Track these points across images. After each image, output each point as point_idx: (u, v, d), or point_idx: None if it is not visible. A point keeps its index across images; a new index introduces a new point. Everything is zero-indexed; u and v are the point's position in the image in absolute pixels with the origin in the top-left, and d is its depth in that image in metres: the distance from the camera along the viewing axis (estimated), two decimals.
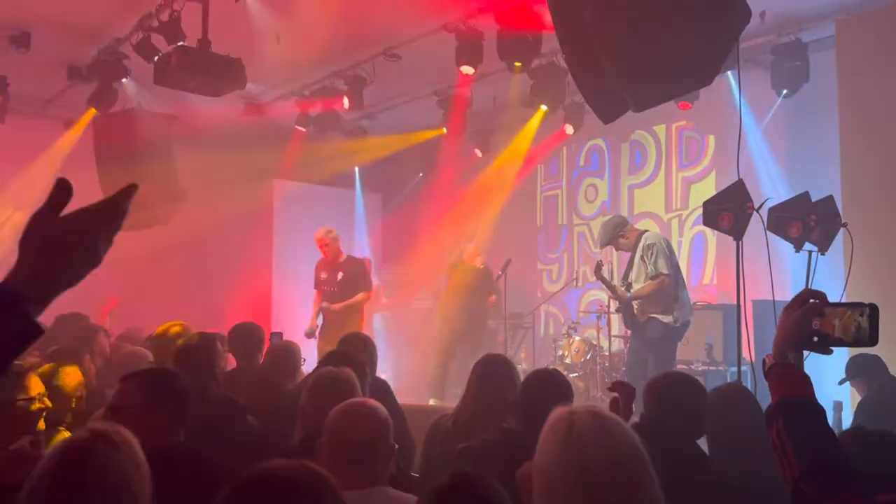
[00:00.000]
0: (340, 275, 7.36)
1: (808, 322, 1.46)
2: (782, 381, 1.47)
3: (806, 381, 1.47)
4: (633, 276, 6.33)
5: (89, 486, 1.55)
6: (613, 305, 7.20)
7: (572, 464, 1.44)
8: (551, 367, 5.58)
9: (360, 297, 7.36)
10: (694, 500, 2.13)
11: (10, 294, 0.93)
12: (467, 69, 6.87)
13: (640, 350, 6.33)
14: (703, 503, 2.45)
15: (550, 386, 3.11)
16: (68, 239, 0.97)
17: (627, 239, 6.43)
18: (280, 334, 5.06)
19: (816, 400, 1.47)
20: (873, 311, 1.41)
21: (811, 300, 1.48)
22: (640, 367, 6.09)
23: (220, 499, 1.30)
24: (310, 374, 2.64)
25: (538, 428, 2.87)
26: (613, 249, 6.93)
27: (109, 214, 1.01)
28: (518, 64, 6.74)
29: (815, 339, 1.47)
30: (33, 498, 1.55)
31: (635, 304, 6.29)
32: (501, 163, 9.99)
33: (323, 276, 7.47)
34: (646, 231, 6.57)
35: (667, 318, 6.11)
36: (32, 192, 8.91)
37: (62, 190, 0.99)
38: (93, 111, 8.29)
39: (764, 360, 1.52)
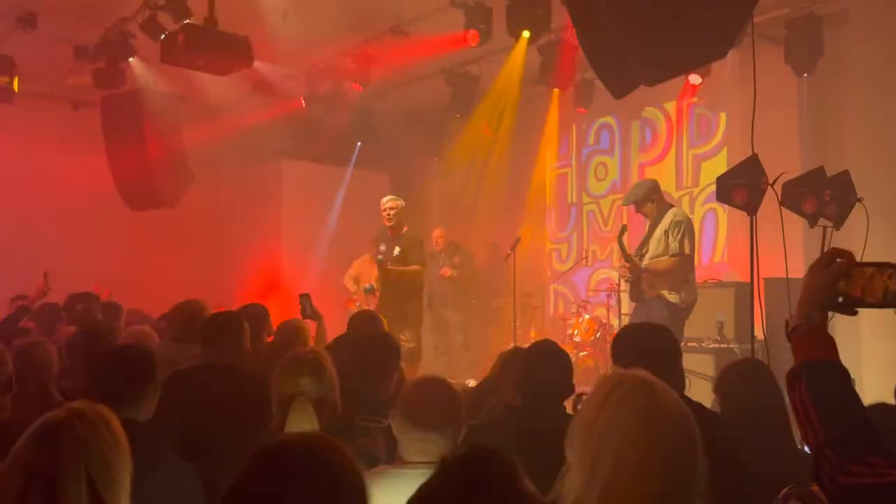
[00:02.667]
0: (397, 250, 7.21)
1: (835, 282, 1.42)
2: (806, 342, 1.43)
3: (831, 343, 1.43)
4: (649, 248, 6.17)
5: (62, 462, 1.55)
6: (623, 284, 7.13)
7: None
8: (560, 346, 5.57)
9: (413, 268, 7.22)
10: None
11: None
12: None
13: None
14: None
15: (547, 358, 3.09)
16: None
17: (656, 204, 6.25)
18: (308, 295, 4.98)
19: (841, 363, 1.43)
20: None
21: (838, 259, 1.44)
22: None
23: (243, 468, 1.31)
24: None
25: (537, 400, 2.87)
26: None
27: None
28: (526, 34, 6.60)
29: (841, 299, 1.43)
30: (11, 473, 1.55)
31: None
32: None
33: (382, 247, 7.31)
34: (673, 206, 6.43)
35: (673, 298, 5.98)
36: (41, 174, 8.93)
37: None
38: (101, 92, 8.24)
39: (787, 322, 1.47)
